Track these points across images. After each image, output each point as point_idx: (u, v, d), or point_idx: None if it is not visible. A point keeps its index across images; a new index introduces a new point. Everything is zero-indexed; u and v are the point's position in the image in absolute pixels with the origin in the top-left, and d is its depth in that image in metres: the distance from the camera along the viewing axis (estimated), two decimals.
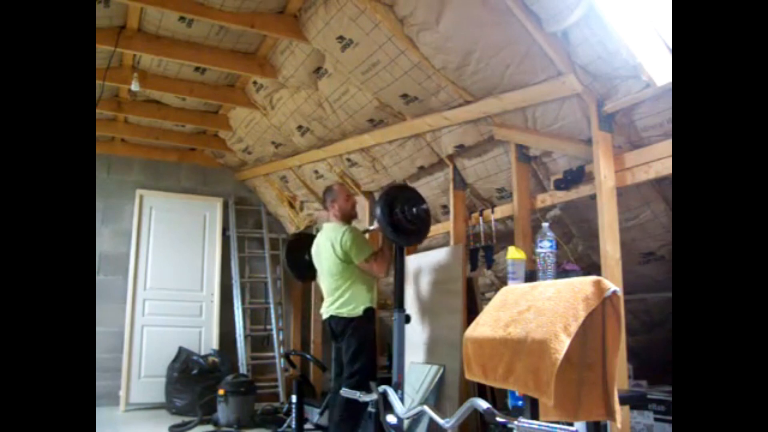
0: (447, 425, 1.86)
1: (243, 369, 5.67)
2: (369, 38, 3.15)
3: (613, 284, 1.49)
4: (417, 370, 3.57)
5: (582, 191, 3.00)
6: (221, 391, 4.65)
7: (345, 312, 3.27)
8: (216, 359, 5.43)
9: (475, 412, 1.73)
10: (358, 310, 3.24)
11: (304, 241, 3.97)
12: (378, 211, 3.18)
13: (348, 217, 3.47)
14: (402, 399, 3.12)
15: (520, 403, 2.26)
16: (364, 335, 3.24)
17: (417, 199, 3.34)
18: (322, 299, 3.49)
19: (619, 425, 1.53)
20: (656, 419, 2.92)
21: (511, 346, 1.56)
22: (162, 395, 5.30)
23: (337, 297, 3.32)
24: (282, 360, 5.79)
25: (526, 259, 2.89)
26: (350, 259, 3.25)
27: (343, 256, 3.26)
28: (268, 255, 6.15)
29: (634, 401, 2.42)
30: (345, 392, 3.23)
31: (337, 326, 3.32)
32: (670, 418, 2.87)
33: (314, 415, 4.53)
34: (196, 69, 4.26)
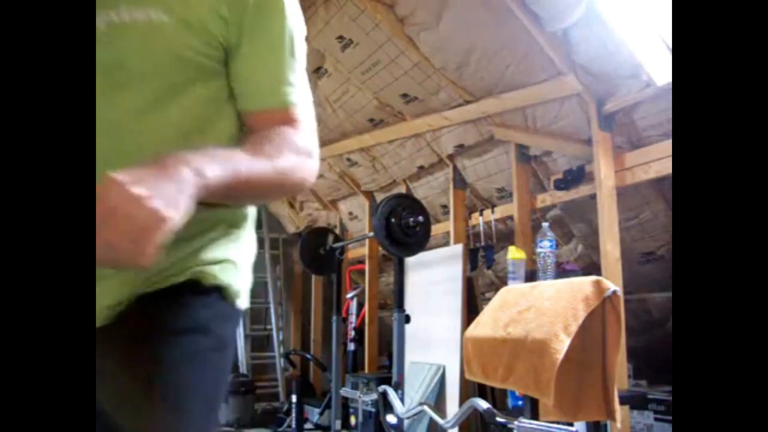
0: (447, 425, 1.87)
1: (243, 369, 5.66)
2: (369, 38, 3.14)
3: (613, 284, 1.49)
4: (417, 370, 3.57)
5: (582, 191, 2.99)
6: None
7: None
8: None
9: (475, 412, 1.73)
10: None
11: (319, 234, 3.97)
12: (375, 221, 3.18)
13: None
14: (402, 399, 3.12)
15: (520, 403, 2.26)
16: None
17: (414, 209, 3.32)
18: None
19: (619, 425, 1.53)
20: (656, 419, 2.92)
21: (511, 346, 1.56)
22: None
23: None
24: (282, 360, 5.79)
25: (526, 259, 2.89)
26: None
27: None
28: (268, 255, 6.14)
29: (634, 401, 2.42)
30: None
31: None
32: (670, 418, 2.87)
33: (314, 415, 4.54)
34: None
